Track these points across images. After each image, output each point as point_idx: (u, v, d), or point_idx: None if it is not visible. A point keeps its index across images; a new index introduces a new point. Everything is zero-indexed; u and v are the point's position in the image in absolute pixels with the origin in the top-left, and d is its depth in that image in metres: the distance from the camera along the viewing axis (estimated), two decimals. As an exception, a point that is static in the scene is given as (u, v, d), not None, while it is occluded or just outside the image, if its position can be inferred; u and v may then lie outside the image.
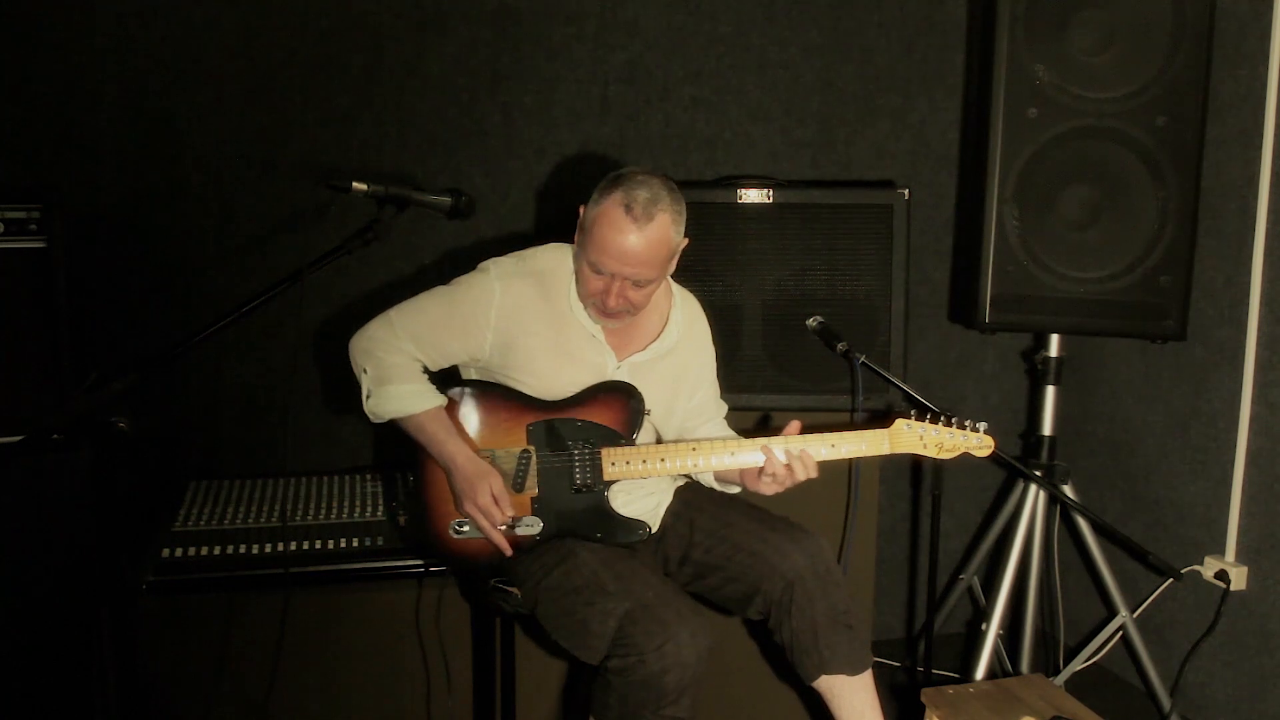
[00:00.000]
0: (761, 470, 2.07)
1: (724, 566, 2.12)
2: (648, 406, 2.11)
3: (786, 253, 2.59)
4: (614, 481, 2.11)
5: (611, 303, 2.01)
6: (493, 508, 2.04)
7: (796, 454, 2.04)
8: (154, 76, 2.63)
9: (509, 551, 2.09)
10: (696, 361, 2.27)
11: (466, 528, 2.10)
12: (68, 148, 2.59)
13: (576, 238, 2.08)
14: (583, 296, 2.06)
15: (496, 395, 2.11)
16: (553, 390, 2.09)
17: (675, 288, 2.24)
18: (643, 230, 1.95)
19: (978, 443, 2.09)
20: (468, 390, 2.11)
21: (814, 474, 2.06)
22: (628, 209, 1.95)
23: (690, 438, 2.25)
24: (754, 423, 2.56)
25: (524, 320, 2.07)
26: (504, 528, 2.07)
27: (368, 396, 2.07)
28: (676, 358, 2.21)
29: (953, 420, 2.08)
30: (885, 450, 2.08)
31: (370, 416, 2.09)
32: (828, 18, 3.04)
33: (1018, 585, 2.79)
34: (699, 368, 2.27)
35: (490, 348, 2.08)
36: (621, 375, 2.13)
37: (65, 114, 2.58)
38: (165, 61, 2.64)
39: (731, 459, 2.08)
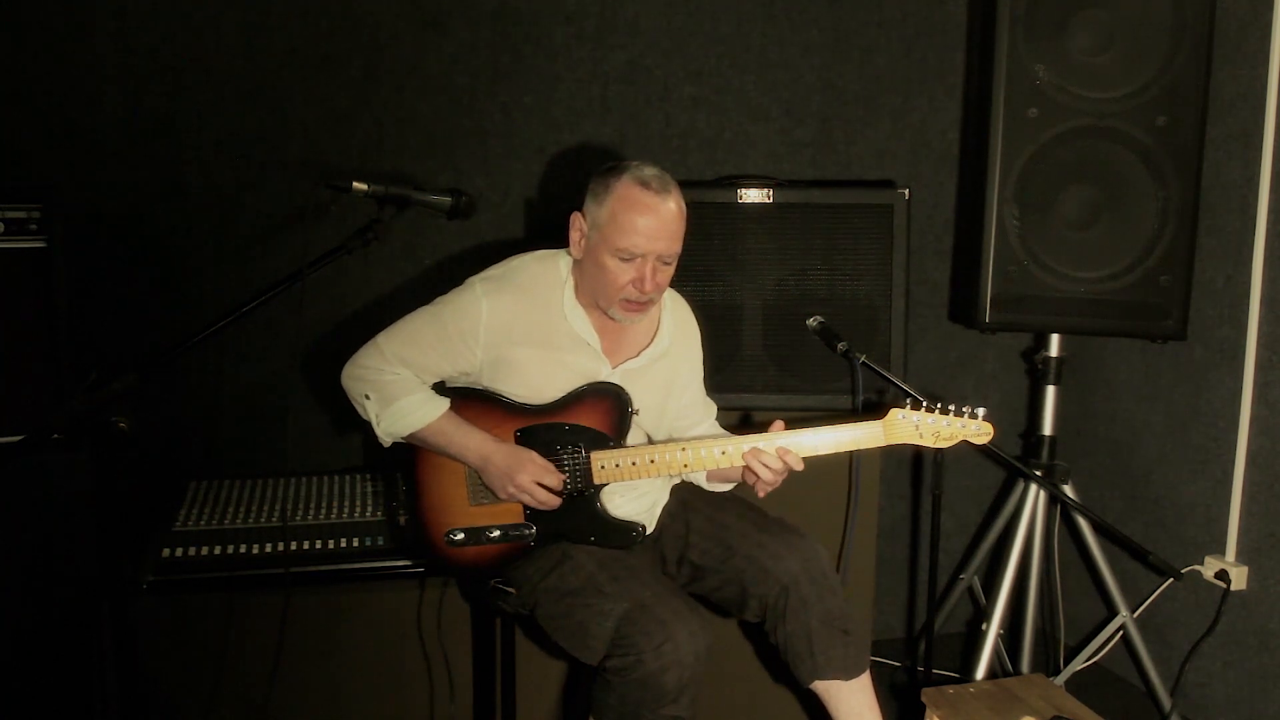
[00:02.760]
0: (751, 471, 2.05)
1: (720, 569, 2.11)
2: (636, 407, 2.10)
3: (786, 253, 2.58)
4: (605, 484, 2.10)
5: (649, 286, 1.99)
6: (545, 475, 2.03)
7: (773, 451, 2.02)
8: (154, 76, 2.63)
9: (559, 502, 2.07)
10: (687, 364, 2.26)
11: (460, 536, 2.10)
12: (68, 148, 2.59)
13: (578, 243, 2.06)
14: (607, 299, 2.03)
15: (484, 403, 2.09)
16: (544, 398, 2.08)
17: (666, 292, 2.23)
18: (665, 200, 1.98)
19: (975, 430, 2.03)
20: (454, 400, 2.09)
21: (799, 466, 2.04)
22: (645, 185, 1.97)
23: (680, 439, 2.24)
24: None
25: (513, 335, 2.05)
26: (497, 534, 2.07)
27: (378, 422, 2.05)
28: (669, 361, 2.20)
29: (949, 408, 2.04)
30: (881, 441, 2.05)
31: (385, 440, 2.08)
32: (828, 18, 3.04)
33: (1018, 585, 2.79)
34: (689, 370, 2.27)
35: (481, 364, 2.07)
36: (614, 381, 2.12)
37: (65, 114, 2.58)
38: (165, 61, 2.64)
39: (721, 457, 2.06)
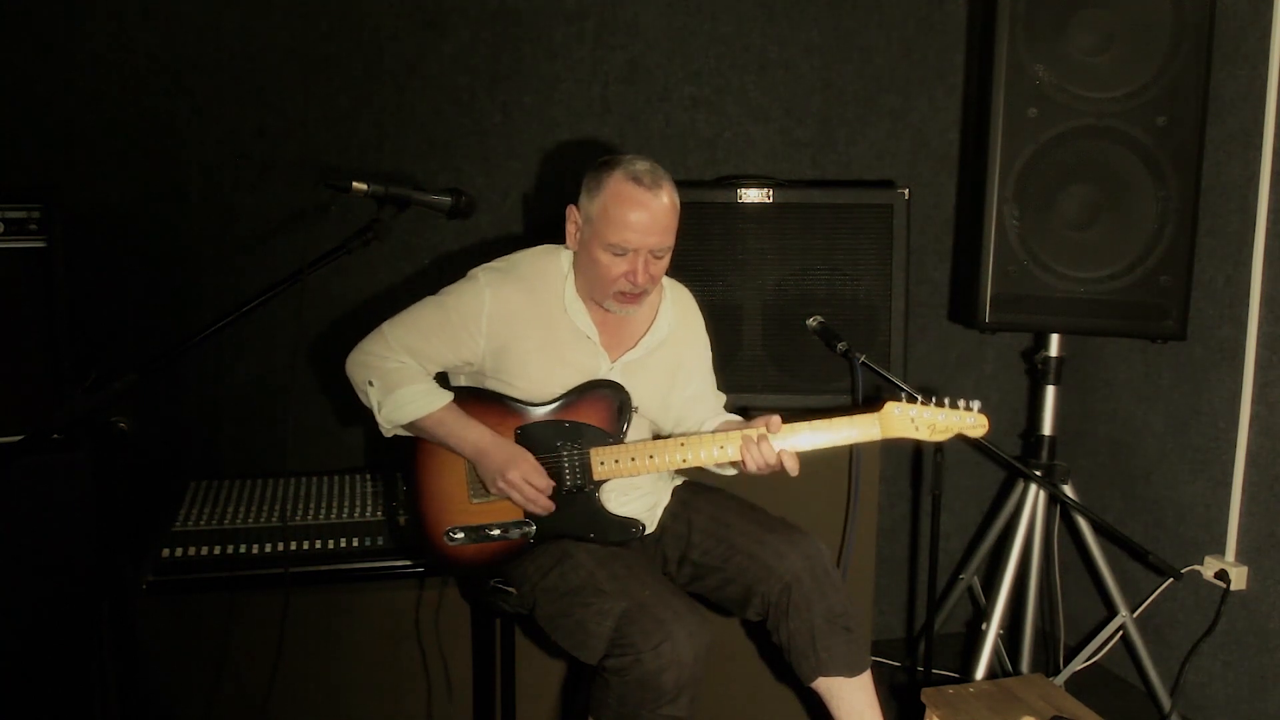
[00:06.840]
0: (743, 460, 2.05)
1: (722, 568, 2.12)
2: (636, 403, 2.11)
3: (786, 253, 2.59)
4: (604, 481, 2.10)
5: (641, 279, 2.01)
6: (535, 476, 2.04)
7: (774, 450, 2.02)
8: (154, 76, 2.63)
9: (552, 506, 2.07)
10: (691, 352, 2.26)
11: (460, 535, 2.10)
12: (68, 148, 2.59)
13: (574, 235, 2.08)
14: (601, 291, 2.05)
15: (484, 401, 2.10)
16: (545, 393, 2.09)
17: (665, 280, 2.22)
18: (657, 195, 1.98)
19: (971, 422, 2.03)
20: (456, 398, 2.10)
21: (794, 470, 2.03)
22: (636, 180, 1.97)
23: (689, 429, 2.24)
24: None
25: (515, 326, 2.06)
26: (497, 532, 2.07)
27: (379, 408, 2.06)
28: (670, 350, 2.20)
29: (945, 400, 2.04)
30: (876, 435, 2.04)
31: (385, 428, 2.08)
32: (828, 18, 3.04)
33: (1018, 585, 2.79)
34: (693, 358, 2.27)
35: (483, 353, 2.08)
36: (615, 375, 2.13)
37: (65, 114, 2.58)
38: (165, 61, 2.64)
39: (720, 453, 2.07)
